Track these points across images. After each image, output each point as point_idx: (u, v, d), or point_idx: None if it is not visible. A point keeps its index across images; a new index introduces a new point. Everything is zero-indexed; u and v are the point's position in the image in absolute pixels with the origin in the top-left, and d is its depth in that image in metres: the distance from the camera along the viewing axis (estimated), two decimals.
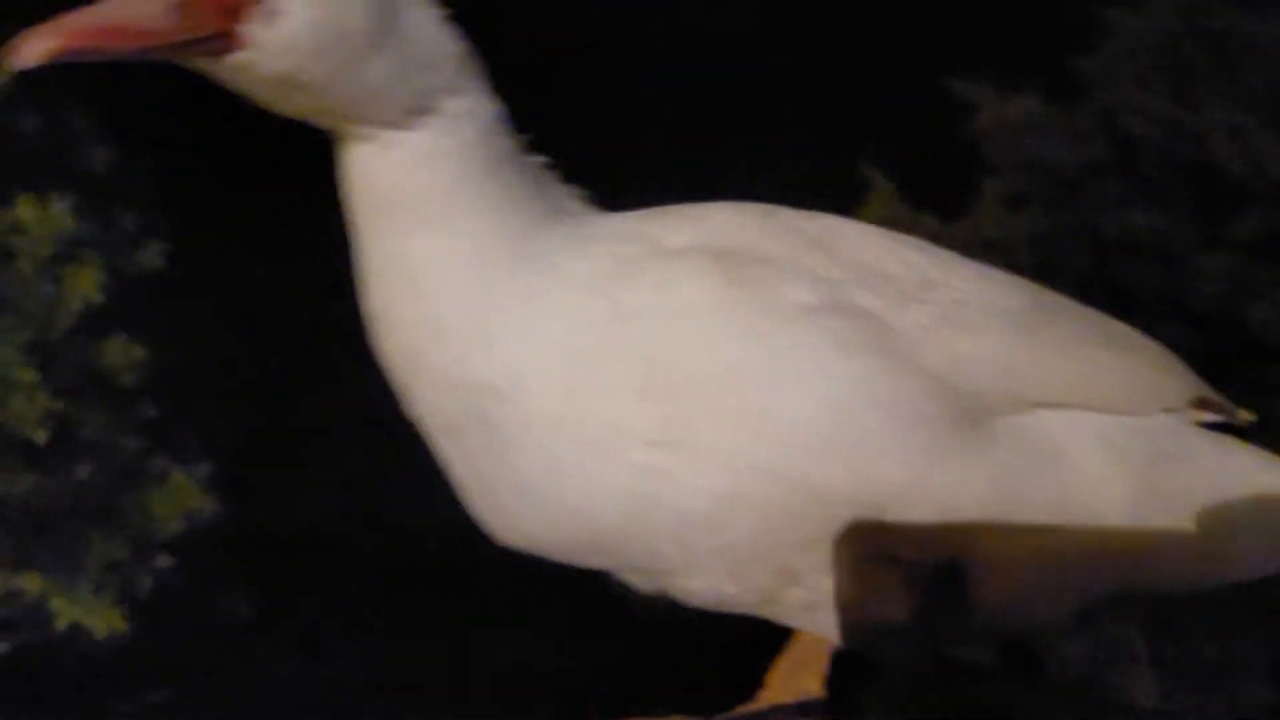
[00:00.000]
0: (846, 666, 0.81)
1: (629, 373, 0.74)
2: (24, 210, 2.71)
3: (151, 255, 3.03)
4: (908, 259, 0.81)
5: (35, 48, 0.64)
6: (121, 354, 2.88)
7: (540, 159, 0.80)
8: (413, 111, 0.73)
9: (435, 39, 0.74)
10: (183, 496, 3.11)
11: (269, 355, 3.52)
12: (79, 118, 3.17)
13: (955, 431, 0.76)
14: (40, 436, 2.72)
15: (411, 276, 0.75)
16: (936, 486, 0.75)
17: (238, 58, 0.69)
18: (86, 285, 2.73)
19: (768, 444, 0.73)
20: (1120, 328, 0.88)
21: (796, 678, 0.83)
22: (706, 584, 0.77)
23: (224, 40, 0.68)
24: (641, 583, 0.80)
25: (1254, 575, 0.86)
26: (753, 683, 0.85)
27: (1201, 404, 0.88)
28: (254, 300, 3.50)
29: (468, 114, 0.75)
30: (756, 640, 0.84)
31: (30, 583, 2.85)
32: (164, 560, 3.20)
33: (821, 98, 3.97)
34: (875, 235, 0.83)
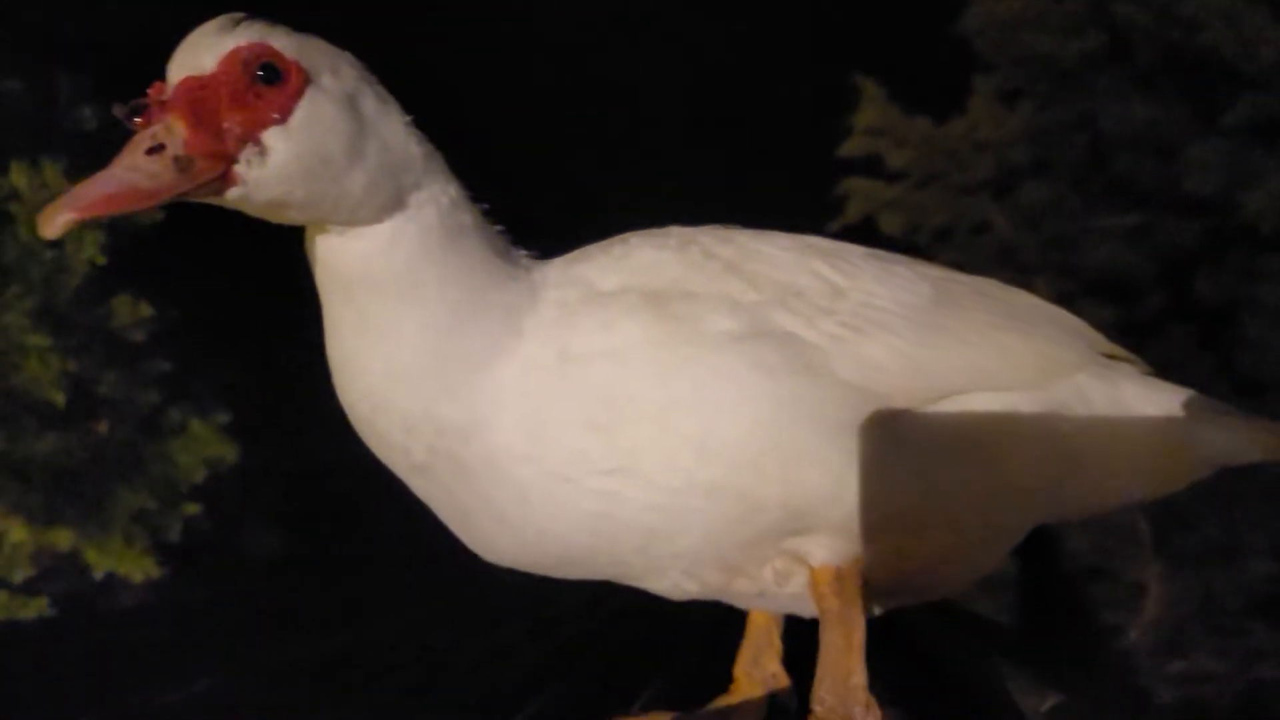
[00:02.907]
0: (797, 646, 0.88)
1: (579, 410, 0.82)
2: (17, 176, 2.73)
3: (149, 212, 3.06)
4: (817, 270, 0.88)
5: (57, 221, 0.70)
6: (129, 312, 2.92)
7: (497, 227, 0.88)
8: (385, 209, 0.81)
9: (403, 145, 0.82)
10: (203, 445, 3.18)
11: (273, 300, 3.56)
12: (65, 79, 3.17)
13: (873, 433, 0.83)
14: (58, 398, 2.78)
15: (375, 334, 0.83)
16: (862, 486, 0.83)
17: (234, 193, 0.77)
18: (89, 247, 2.77)
19: (707, 465, 0.81)
20: (1023, 305, 0.95)
21: (759, 663, 0.93)
22: (668, 583, 0.89)
23: (221, 181, 0.75)
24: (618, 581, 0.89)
25: (1160, 491, 0.95)
26: (726, 676, 0.93)
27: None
28: (254, 245, 3.53)
29: (429, 202, 0.83)
30: (729, 637, 0.93)
31: (61, 538, 2.95)
32: (191, 508, 3.29)
33: (809, 6, 3.92)
34: (786, 250, 0.90)
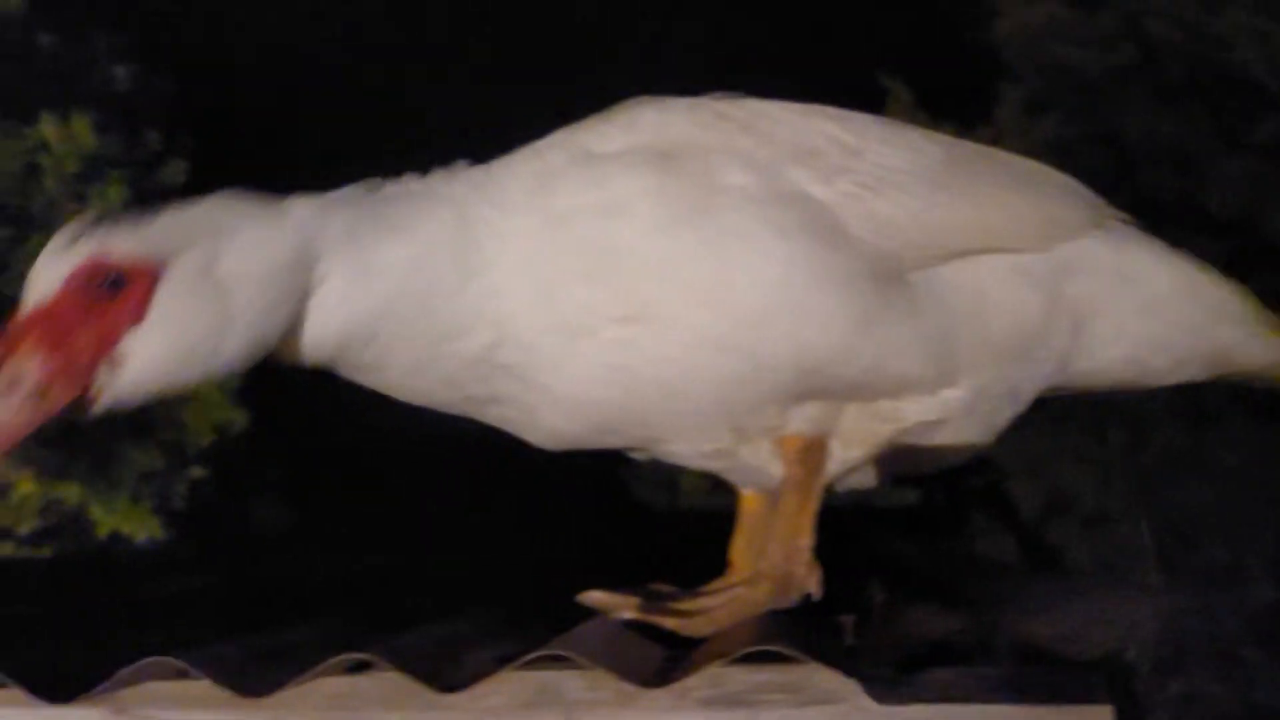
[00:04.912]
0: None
1: (575, 262, 0.82)
2: (47, 128, 2.74)
3: (174, 172, 3.08)
4: (829, 132, 0.89)
5: None
6: None
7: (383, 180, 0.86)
8: (292, 317, 0.80)
9: (277, 264, 0.78)
10: (212, 410, 3.20)
11: None
12: (103, 37, 3.19)
13: (882, 295, 0.85)
14: None
15: (380, 357, 0.84)
16: (869, 346, 0.85)
17: (101, 405, 0.75)
18: (113, 202, 2.79)
19: (717, 320, 0.82)
20: (1030, 169, 0.96)
21: (752, 546, 0.94)
22: (688, 446, 0.90)
23: (83, 398, 0.74)
24: (643, 457, 0.93)
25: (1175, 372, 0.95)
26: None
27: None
28: None
29: (330, 266, 0.81)
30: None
31: (69, 492, 2.96)
32: (198, 471, 3.31)
33: (840, 5, 3.91)
34: (797, 112, 0.91)
